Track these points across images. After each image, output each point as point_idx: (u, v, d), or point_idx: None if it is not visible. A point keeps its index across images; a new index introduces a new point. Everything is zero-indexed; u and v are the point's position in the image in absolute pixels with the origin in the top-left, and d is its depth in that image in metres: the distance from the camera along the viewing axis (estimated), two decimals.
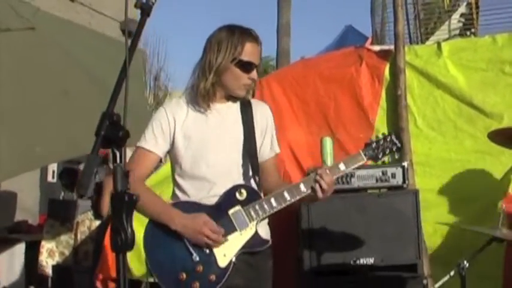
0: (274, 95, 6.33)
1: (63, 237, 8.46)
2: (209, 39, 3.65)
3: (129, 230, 2.18)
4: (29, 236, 9.27)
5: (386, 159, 3.86)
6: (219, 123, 3.66)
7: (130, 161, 3.53)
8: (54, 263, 8.36)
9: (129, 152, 3.28)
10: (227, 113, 3.70)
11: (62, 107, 6.09)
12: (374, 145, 3.69)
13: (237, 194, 3.57)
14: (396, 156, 3.80)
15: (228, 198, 3.57)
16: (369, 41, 10.84)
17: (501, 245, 5.04)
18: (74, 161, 11.49)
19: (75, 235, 8.37)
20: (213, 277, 3.45)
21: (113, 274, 6.06)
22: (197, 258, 3.46)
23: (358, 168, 5.26)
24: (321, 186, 3.51)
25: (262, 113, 3.81)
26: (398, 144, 3.73)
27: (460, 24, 10.75)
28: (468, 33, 10.37)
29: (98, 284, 6.20)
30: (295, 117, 6.25)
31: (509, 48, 5.87)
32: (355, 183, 5.29)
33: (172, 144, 3.65)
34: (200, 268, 3.46)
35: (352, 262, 5.05)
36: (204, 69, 3.60)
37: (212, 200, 3.58)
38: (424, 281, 5.10)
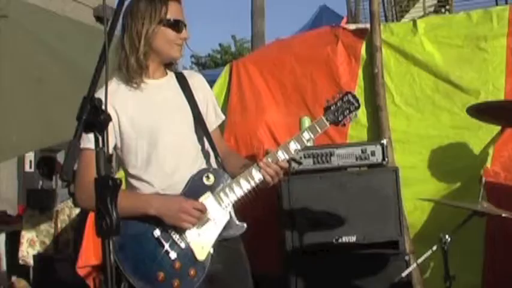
0: (251, 77, 6.33)
1: (43, 227, 8.43)
2: (128, 13, 3.40)
3: (114, 214, 2.15)
4: (9, 226, 9.22)
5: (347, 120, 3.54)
6: (164, 102, 3.46)
7: (80, 167, 3.25)
8: (35, 252, 8.34)
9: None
10: (167, 88, 3.51)
11: (36, 95, 6.05)
12: (333, 108, 3.48)
13: (205, 179, 3.38)
14: (355, 117, 3.62)
15: (196, 185, 3.38)
16: (344, 20, 10.84)
17: (482, 221, 5.09)
18: (51, 150, 11.47)
19: (55, 224, 8.35)
20: (193, 272, 3.28)
21: (93, 261, 6.04)
22: (174, 255, 3.26)
23: (338, 147, 5.35)
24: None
25: (198, 83, 3.64)
26: (356, 104, 3.53)
27: (435, 2, 10.77)
28: (443, 10, 10.40)
29: (79, 271, 6.18)
30: (273, 99, 6.26)
31: (484, 24, 5.90)
32: (335, 161, 5.29)
33: (121, 136, 3.39)
34: (178, 264, 3.27)
35: (334, 241, 5.07)
36: (133, 40, 3.36)
37: (178, 188, 3.38)
38: (406, 257, 5.13)
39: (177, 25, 3.43)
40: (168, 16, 3.40)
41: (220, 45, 37.78)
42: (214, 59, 37.08)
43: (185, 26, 3.47)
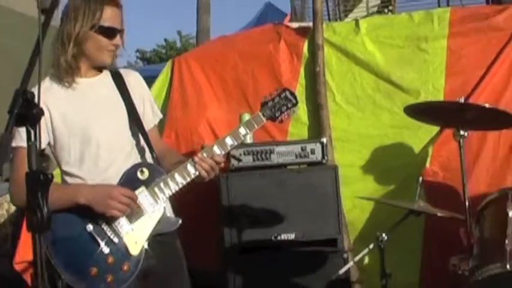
0: (193, 73, 6.27)
1: None
2: (65, 9, 3.36)
3: (45, 209, 2.12)
4: None
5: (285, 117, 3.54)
6: (97, 99, 3.43)
7: (13, 166, 3.25)
8: None
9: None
10: (101, 86, 3.48)
11: None
12: (270, 104, 3.49)
13: (139, 174, 3.35)
14: (294, 113, 3.62)
15: (130, 179, 3.34)
16: (288, 18, 10.87)
17: (421, 220, 5.15)
18: None
19: None
20: (126, 267, 3.25)
21: (30, 257, 5.96)
22: (107, 250, 3.23)
23: (278, 144, 5.36)
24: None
25: (135, 81, 3.62)
26: (294, 101, 3.52)
27: (378, 2, 10.88)
28: (386, 10, 10.50)
29: (17, 267, 6.10)
30: (214, 95, 6.22)
31: (425, 25, 5.93)
32: (275, 159, 5.30)
33: (53, 133, 3.36)
34: (111, 259, 3.23)
35: (273, 238, 5.08)
36: (63, 41, 3.33)
37: (112, 183, 3.34)
38: (345, 255, 5.17)
39: (109, 32, 3.38)
40: (102, 22, 3.35)
41: (165, 40, 37.73)
42: (160, 54, 36.99)
43: (120, 32, 3.42)
